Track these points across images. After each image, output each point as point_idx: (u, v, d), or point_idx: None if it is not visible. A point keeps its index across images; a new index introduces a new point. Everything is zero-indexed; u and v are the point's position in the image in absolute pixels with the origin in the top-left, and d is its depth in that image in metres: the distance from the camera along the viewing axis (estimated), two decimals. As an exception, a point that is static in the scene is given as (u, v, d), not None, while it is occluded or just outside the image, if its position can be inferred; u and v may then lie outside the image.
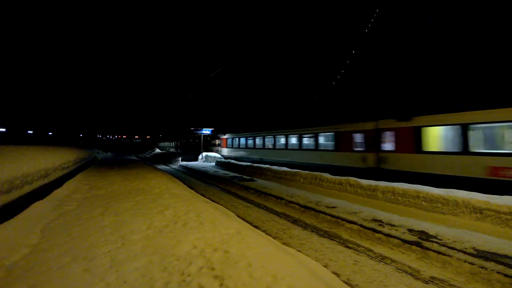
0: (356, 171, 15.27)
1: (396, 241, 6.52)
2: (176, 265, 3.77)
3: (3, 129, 52.99)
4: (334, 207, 9.76)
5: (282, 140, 23.35)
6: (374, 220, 8.19)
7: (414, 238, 6.66)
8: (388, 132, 13.95)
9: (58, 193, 8.88)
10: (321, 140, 19.35)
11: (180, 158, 33.01)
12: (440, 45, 23.81)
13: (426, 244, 6.29)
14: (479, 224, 7.48)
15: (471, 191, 8.61)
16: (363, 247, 6.33)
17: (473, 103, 11.28)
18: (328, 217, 8.58)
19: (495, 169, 9.76)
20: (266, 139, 25.67)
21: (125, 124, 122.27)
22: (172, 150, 44.50)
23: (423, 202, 9.01)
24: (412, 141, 12.68)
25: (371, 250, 6.13)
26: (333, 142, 17.64)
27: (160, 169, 19.15)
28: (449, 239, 6.56)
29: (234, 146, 32.18)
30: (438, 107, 12.38)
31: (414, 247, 6.15)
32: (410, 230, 7.23)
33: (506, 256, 5.58)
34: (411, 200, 9.40)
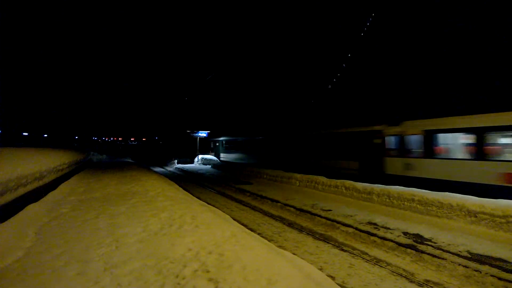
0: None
1: (391, 244, 6.54)
2: (171, 268, 3.76)
3: (-2, 131, 52.59)
4: (329, 210, 9.78)
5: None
6: (370, 223, 8.22)
7: (409, 241, 6.69)
8: None
9: (52, 195, 8.81)
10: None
11: (176, 161, 32.92)
12: (439, 48, 24.04)
13: (421, 247, 6.32)
14: (473, 228, 7.54)
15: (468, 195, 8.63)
16: (358, 250, 6.35)
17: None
18: (324, 220, 8.60)
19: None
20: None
21: (121, 127, 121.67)
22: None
23: (418, 205, 9.06)
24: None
25: (366, 253, 6.14)
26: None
27: (155, 172, 19.09)
28: (443, 242, 6.60)
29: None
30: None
31: (409, 250, 6.17)
32: (405, 233, 7.26)
33: (500, 259, 5.62)
34: (406, 203, 9.45)
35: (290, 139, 21.94)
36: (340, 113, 29.53)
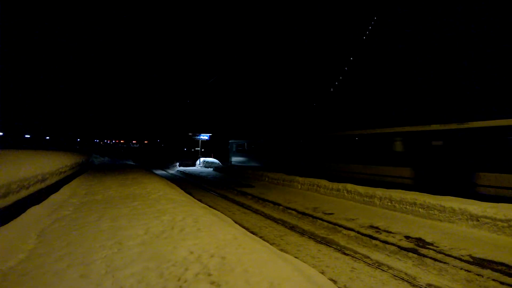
0: None
1: (393, 248, 6.53)
2: (173, 271, 3.77)
3: (1, 133, 52.74)
4: (331, 214, 9.76)
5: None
6: (371, 226, 8.20)
7: (410, 245, 6.67)
8: None
9: (55, 198, 8.84)
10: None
11: (177, 164, 32.96)
12: (439, 50, 24.03)
13: (423, 251, 6.30)
14: (475, 232, 7.51)
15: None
16: (360, 253, 6.33)
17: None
18: (326, 224, 8.59)
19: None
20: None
21: (123, 129, 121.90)
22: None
23: (420, 209, 9.04)
24: None
25: (368, 257, 6.13)
26: None
27: (157, 174, 19.12)
28: (445, 246, 6.57)
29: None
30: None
31: (410, 254, 6.16)
32: (407, 237, 7.24)
33: (502, 264, 5.60)
34: (408, 207, 9.43)
35: (295, 141, 21.93)
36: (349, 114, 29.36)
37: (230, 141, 33.17)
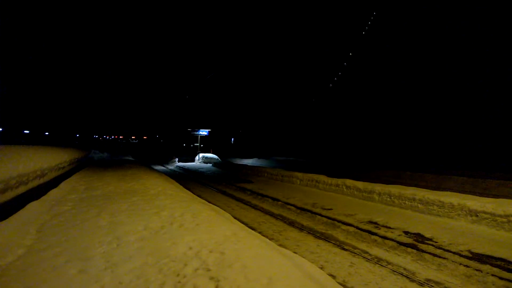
0: None
1: (392, 243, 6.54)
2: (172, 266, 3.76)
3: (0, 129, 52.66)
4: (330, 209, 9.77)
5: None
6: (370, 222, 8.21)
7: (409, 240, 6.69)
8: None
9: (53, 193, 8.82)
10: None
11: (176, 159, 32.96)
12: (439, 46, 23.93)
13: (422, 246, 6.31)
14: (475, 227, 7.53)
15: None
16: (359, 249, 6.34)
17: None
18: (325, 219, 8.59)
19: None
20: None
21: (122, 125, 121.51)
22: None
23: (419, 205, 9.05)
24: None
25: (367, 252, 6.14)
26: None
27: (156, 170, 19.11)
28: (444, 241, 6.59)
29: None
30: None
31: (409, 249, 6.17)
32: (406, 232, 7.25)
33: (501, 259, 5.61)
34: (407, 202, 9.44)
35: None
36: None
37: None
